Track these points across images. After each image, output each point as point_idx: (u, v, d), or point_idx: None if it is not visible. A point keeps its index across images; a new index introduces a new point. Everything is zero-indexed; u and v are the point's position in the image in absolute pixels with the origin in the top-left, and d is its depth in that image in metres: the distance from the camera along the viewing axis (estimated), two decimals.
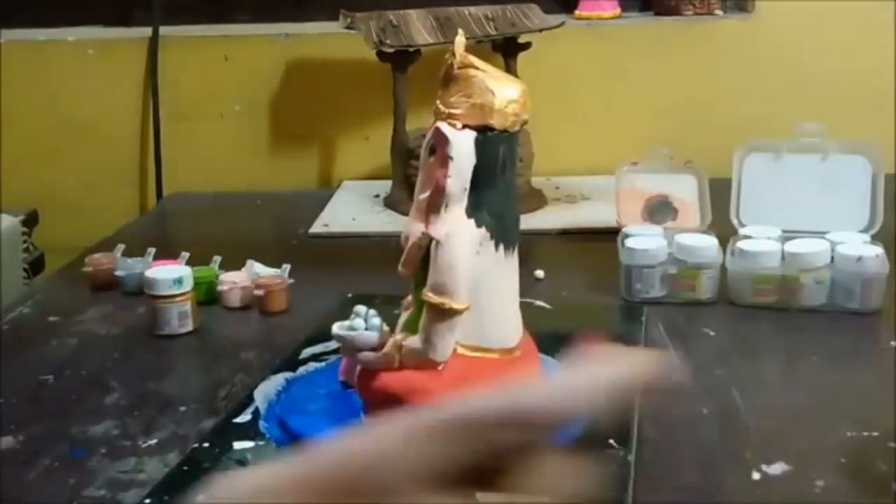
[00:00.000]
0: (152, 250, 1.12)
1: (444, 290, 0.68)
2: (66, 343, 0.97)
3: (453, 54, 0.70)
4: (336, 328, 0.73)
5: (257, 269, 1.06)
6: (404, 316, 0.74)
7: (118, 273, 1.09)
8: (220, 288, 1.04)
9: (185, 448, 0.74)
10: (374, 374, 0.71)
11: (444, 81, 0.70)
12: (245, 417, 0.77)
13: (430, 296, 0.69)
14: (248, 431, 0.75)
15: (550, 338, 0.87)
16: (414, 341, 0.70)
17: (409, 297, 0.75)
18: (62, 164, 1.61)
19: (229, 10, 1.69)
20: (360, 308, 0.73)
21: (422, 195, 0.70)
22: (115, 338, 0.98)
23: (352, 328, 0.72)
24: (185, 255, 1.09)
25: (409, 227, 0.72)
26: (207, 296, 1.04)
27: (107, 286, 1.10)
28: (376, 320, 0.72)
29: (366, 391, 0.72)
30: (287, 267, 1.05)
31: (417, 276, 0.72)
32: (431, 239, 0.69)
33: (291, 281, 1.04)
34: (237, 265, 1.07)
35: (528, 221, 1.11)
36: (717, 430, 0.76)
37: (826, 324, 0.96)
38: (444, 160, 0.68)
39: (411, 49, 1.31)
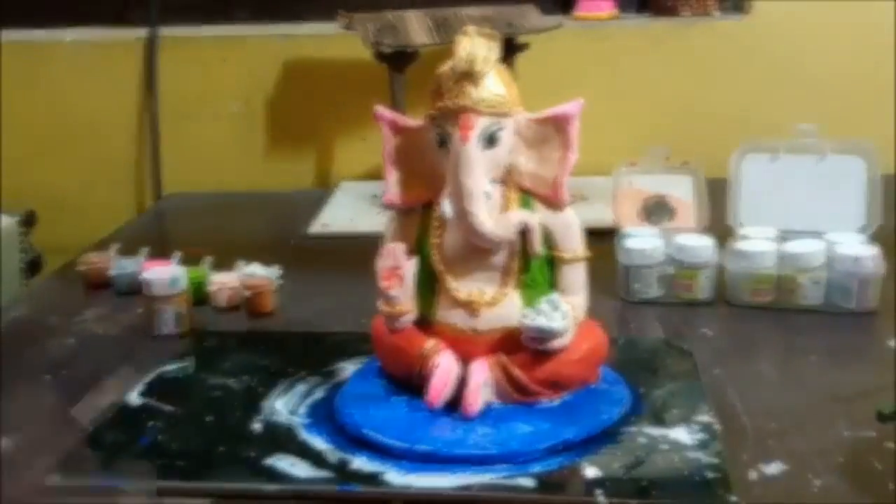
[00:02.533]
0: (146, 250, 1.12)
1: (581, 245, 0.76)
2: (64, 343, 0.97)
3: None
4: (529, 321, 0.73)
5: (255, 270, 1.06)
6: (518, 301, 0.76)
7: (111, 272, 1.10)
8: (208, 288, 1.04)
9: None
10: (550, 357, 0.74)
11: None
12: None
13: (579, 253, 0.76)
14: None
15: None
16: (578, 300, 0.76)
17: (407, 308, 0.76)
18: (60, 164, 1.62)
19: (227, 10, 1.69)
20: (554, 297, 0.74)
21: (486, 186, 0.73)
22: (113, 338, 0.98)
23: (547, 318, 0.73)
24: (178, 254, 1.10)
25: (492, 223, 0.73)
26: (197, 296, 1.05)
27: (101, 285, 1.10)
28: (566, 306, 0.74)
29: (554, 374, 0.75)
30: (275, 268, 1.05)
31: (516, 260, 0.75)
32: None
33: (280, 282, 1.04)
34: (236, 266, 1.08)
35: None
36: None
37: (823, 324, 0.96)
38: (575, 136, 0.74)
39: (409, 50, 1.31)
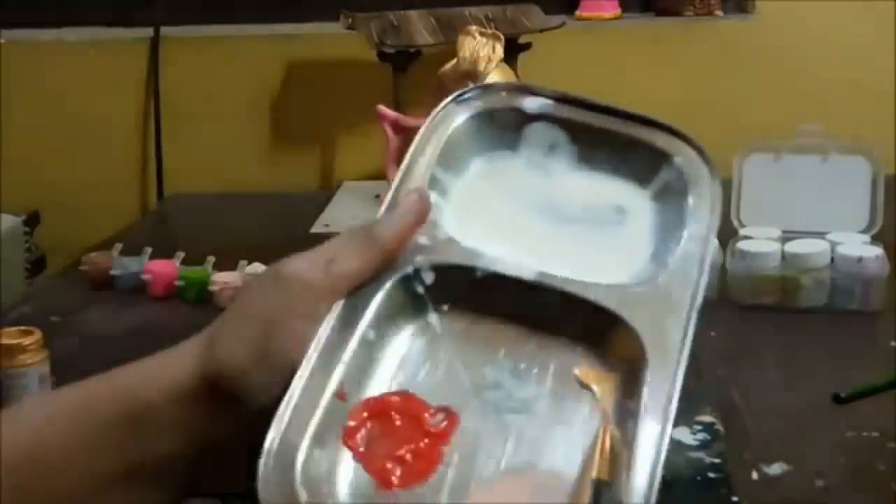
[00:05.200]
0: (148, 250, 1.13)
1: None
2: (67, 342, 0.97)
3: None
4: None
5: (257, 270, 1.05)
6: None
7: (114, 272, 1.10)
8: (211, 288, 1.04)
9: None
10: None
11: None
12: None
13: None
14: None
15: None
16: None
17: None
18: (64, 164, 1.62)
19: (230, 10, 1.69)
20: None
21: None
22: (116, 337, 0.98)
23: None
24: (180, 255, 1.10)
25: None
26: (199, 296, 1.05)
27: (104, 285, 1.11)
28: None
29: None
30: None
31: None
32: None
33: None
34: (238, 265, 1.08)
35: None
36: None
37: (826, 324, 0.96)
38: None
39: (412, 49, 1.32)
